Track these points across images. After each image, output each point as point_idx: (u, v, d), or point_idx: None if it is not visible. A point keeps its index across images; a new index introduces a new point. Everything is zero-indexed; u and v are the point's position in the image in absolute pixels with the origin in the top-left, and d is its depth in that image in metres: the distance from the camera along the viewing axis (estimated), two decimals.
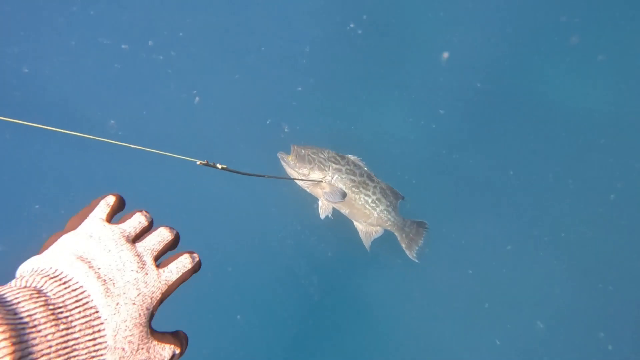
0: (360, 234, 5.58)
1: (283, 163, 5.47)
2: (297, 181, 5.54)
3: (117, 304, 0.74)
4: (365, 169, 5.58)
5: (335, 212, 5.55)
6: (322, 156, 5.46)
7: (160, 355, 0.79)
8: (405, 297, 6.84)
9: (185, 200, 6.97)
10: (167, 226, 0.92)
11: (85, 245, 0.79)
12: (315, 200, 5.63)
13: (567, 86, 7.42)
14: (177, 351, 0.83)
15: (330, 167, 5.39)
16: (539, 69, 7.49)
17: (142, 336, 0.76)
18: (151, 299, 0.80)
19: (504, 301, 6.83)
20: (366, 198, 5.40)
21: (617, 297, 6.82)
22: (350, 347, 6.73)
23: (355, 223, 5.61)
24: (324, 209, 5.48)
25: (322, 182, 5.40)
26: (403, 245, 5.59)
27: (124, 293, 0.75)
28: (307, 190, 5.57)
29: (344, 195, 5.32)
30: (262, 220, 7.06)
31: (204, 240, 6.64)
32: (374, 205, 5.41)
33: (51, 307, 0.67)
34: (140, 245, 0.86)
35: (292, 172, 5.46)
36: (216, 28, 7.38)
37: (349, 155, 5.60)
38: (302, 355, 6.87)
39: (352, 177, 5.41)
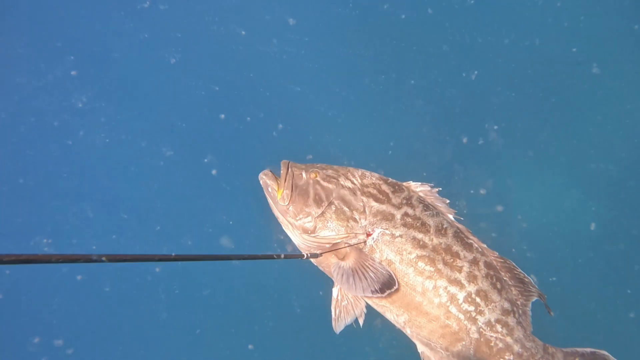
0: None
1: (269, 199, 2.41)
2: (291, 236, 2.44)
3: None
4: (451, 217, 2.37)
5: (372, 316, 2.36)
6: (350, 184, 2.34)
7: None
8: None
9: None
10: None
11: None
12: (328, 280, 2.46)
13: None
14: None
15: (367, 209, 2.26)
16: None
17: None
18: None
19: None
20: (452, 289, 2.18)
21: None
22: None
23: (421, 348, 2.35)
24: (345, 309, 2.31)
25: (344, 245, 2.26)
26: None
27: None
28: (312, 259, 2.42)
29: (389, 282, 2.14)
30: None
31: None
32: (470, 307, 2.18)
33: None
34: None
35: (284, 221, 2.38)
36: None
37: (411, 183, 2.44)
38: None
39: (419, 235, 2.23)
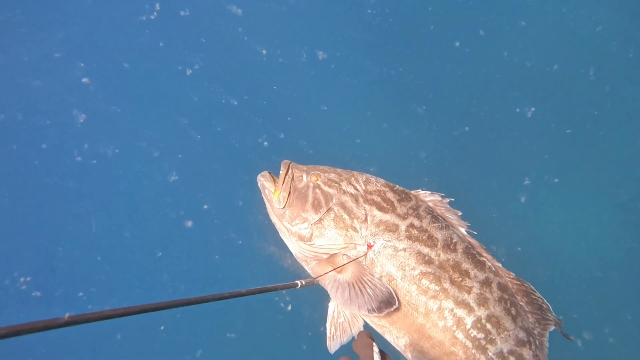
0: None
1: (266, 203, 2.25)
2: (288, 243, 2.26)
3: None
4: (463, 230, 2.15)
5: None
6: (352, 190, 2.15)
7: None
8: None
9: None
10: None
11: None
12: (325, 294, 2.27)
13: None
14: None
15: (369, 218, 2.06)
16: None
17: None
18: None
19: None
20: (459, 311, 1.95)
21: None
22: None
23: None
24: (341, 327, 2.11)
25: (341, 255, 2.07)
26: None
27: None
28: (307, 269, 2.25)
29: (388, 300, 1.93)
30: None
31: None
32: (479, 334, 1.94)
33: None
34: None
35: (281, 226, 2.21)
36: None
37: (420, 192, 2.22)
38: None
39: (425, 249, 2.01)
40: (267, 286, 1.59)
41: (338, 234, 2.05)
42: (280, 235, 2.27)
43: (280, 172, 2.25)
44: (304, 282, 1.66)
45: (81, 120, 3.93)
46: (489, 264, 2.06)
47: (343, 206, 2.09)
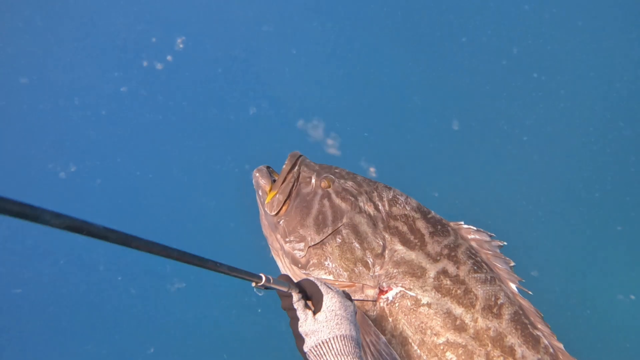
0: None
1: (260, 206, 1.74)
2: (279, 264, 1.75)
3: None
4: (514, 287, 1.56)
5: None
6: (371, 209, 1.60)
7: None
8: None
9: None
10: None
11: None
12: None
13: None
14: None
15: (388, 252, 1.52)
16: None
17: None
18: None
19: None
20: None
21: None
22: None
23: None
24: None
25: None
26: None
27: None
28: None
29: None
30: None
31: None
32: None
33: None
34: None
35: (273, 241, 1.70)
36: None
37: (462, 225, 1.65)
38: None
39: (457, 309, 1.44)
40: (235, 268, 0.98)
41: (342, 267, 1.52)
42: (272, 253, 1.77)
43: (284, 166, 1.71)
44: (272, 280, 1.07)
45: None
46: (545, 342, 1.48)
47: (355, 230, 1.56)
